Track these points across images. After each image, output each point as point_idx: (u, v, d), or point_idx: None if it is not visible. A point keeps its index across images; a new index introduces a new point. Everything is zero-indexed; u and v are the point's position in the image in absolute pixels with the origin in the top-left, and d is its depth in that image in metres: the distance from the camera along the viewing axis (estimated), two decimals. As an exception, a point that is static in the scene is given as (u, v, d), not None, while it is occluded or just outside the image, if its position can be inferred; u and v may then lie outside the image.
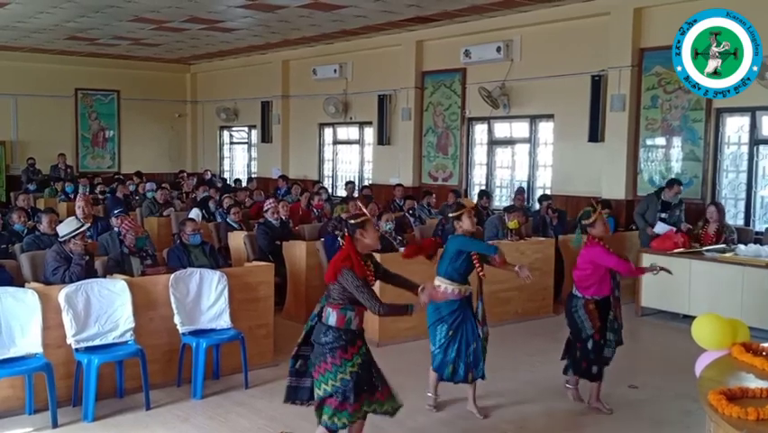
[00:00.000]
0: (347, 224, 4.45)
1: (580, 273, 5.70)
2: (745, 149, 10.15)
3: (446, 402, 5.89)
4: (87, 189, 14.06)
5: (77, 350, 5.56)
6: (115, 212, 8.26)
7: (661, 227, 9.34)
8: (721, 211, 9.36)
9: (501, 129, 13.32)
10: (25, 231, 8.21)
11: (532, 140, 12.74)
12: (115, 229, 7.76)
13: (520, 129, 12.99)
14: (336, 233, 4.53)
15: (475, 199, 12.21)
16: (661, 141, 10.75)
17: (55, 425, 5.31)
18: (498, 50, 12.42)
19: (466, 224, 5.56)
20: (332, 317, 4.37)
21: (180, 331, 6.08)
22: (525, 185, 12.71)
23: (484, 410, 5.74)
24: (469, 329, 5.55)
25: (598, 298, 5.64)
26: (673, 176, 10.25)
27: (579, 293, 5.70)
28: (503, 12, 11.96)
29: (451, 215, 5.73)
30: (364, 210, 4.59)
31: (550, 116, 12.33)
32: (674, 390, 6.20)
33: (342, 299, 4.35)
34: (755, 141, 10.00)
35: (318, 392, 4.39)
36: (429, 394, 5.80)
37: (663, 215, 9.57)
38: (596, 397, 5.80)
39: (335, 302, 4.37)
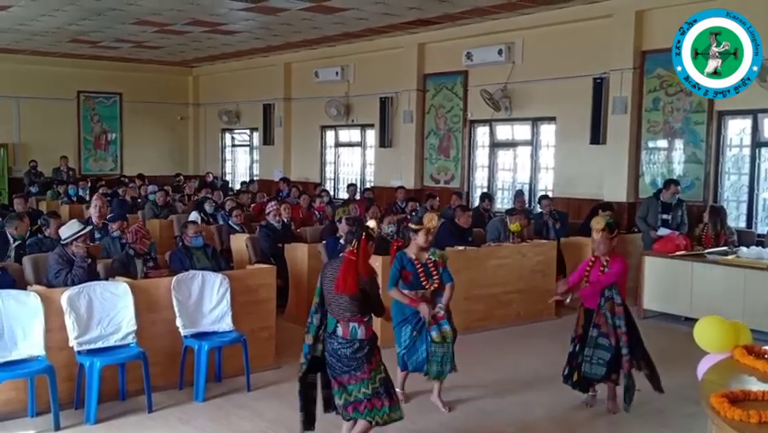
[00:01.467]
0: (368, 232, 4.51)
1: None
2: (746, 151, 10.14)
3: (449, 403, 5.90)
4: (87, 192, 14.06)
5: (79, 352, 5.56)
6: (109, 217, 8.23)
7: (663, 231, 9.35)
8: (717, 214, 9.32)
9: (503, 131, 13.32)
10: (28, 234, 8.20)
11: (534, 142, 12.74)
12: (114, 233, 7.75)
13: (522, 131, 12.99)
14: (350, 235, 4.58)
15: (477, 202, 12.22)
16: (662, 143, 10.74)
17: (57, 427, 5.32)
18: (500, 52, 12.42)
19: (420, 240, 5.72)
20: (359, 331, 4.44)
21: (182, 334, 6.08)
22: (526, 187, 12.71)
23: (449, 404, 5.86)
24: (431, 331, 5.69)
25: (586, 306, 5.79)
26: (675, 178, 10.24)
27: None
28: (505, 14, 11.97)
29: (411, 226, 5.81)
30: (374, 223, 4.72)
31: (552, 119, 12.33)
32: (676, 392, 6.18)
33: (363, 309, 4.43)
34: (757, 143, 9.99)
35: (355, 395, 4.47)
36: (398, 390, 5.85)
37: (665, 216, 9.57)
38: (610, 395, 5.87)
39: (357, 315, 4.43)
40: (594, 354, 5.65)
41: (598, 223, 5.76)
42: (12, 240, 7.43)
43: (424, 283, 5.67)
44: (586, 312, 5.77)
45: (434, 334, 5.63)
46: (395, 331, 5.75)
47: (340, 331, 4.45)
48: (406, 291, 5.64)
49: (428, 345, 5.62)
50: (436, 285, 5.71)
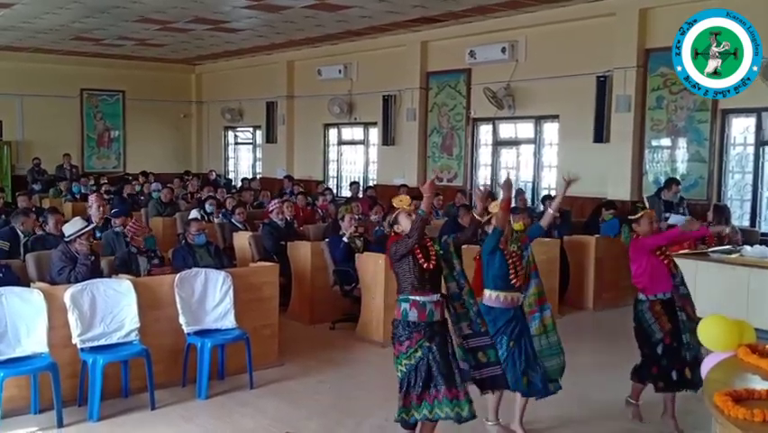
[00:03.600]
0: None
1: (633, 272, 5.49)
2: (750, 150, 10.13)
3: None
4: (88, 189, 14.06)
5: (82, 350, 5.57)
6: (113, 212, 8.24)
7: (675, 219, 9.32)
8: (721, 213, 9.29)
9: (506, 130, 13.31)
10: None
11: (537, 140, 12.73)
12: (117, 228, 7.76)
13: (525, 130, 12.98)
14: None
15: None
16: (666, 142, 10.73)
17: (60, 424, 5.32)
18: (503, 50, 12.42)
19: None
20: (398, 307, 4.46)
21: (185, 331, 6.08)
22: (529, 186, 12.71)
23: None
24: (529, 340, 5.14)
25: (662, 297, 5.33)
26: (679, 177, 10.24)
27: (642, 296, 5.45)
28: (508, 12, 11.95)
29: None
30: (405, 205, 4.61)
31: (555, 117, 12.32)
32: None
33: (401, 285, 4.44)
34: (761, 142, 9.98)
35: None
36: (489, 423, 5.26)
37: (667, 214, 9.56)
38: (671, 413, 5.48)
39: (398, 291, 4.47)
40: (691, 339, 5.14)
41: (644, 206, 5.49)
42: (22, 236, 7.44)
43: (513, 281, 5.06)
44: (663, 303, 5.32)
45: (536, 324, 5.16)
46: None
47: None
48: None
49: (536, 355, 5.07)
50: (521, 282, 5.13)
